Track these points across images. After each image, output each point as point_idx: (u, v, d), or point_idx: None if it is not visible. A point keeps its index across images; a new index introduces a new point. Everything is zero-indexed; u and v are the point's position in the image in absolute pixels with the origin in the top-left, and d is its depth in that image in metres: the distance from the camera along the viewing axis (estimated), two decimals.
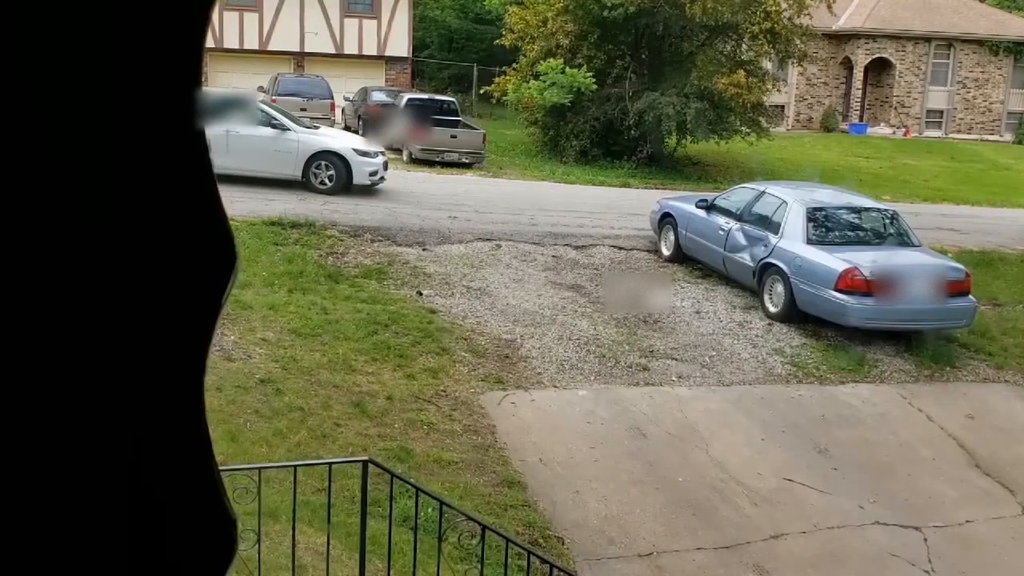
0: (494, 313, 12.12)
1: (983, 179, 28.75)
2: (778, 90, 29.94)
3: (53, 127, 0.73)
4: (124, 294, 0.77)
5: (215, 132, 16.34)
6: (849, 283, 11.71)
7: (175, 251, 0.79)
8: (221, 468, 0.87)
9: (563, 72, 23.77)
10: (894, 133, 37.67)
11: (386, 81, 31.37)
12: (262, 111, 17.25)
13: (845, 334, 12.14)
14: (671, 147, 25.14)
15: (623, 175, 23.24)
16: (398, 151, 23.67)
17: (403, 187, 18.86)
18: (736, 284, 13.73)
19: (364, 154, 16.84)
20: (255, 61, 30.21)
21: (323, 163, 16.51)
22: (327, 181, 16.52)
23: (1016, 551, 8.45)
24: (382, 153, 17.78)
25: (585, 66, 24.14)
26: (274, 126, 16.64)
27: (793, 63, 27.98)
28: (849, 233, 13.13)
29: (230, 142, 15.84)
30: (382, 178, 17.41)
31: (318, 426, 8.63)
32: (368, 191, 17.18)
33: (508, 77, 25.76)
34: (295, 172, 16.46)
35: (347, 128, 28.41)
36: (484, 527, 5.70)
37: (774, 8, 24.16)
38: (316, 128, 18.34)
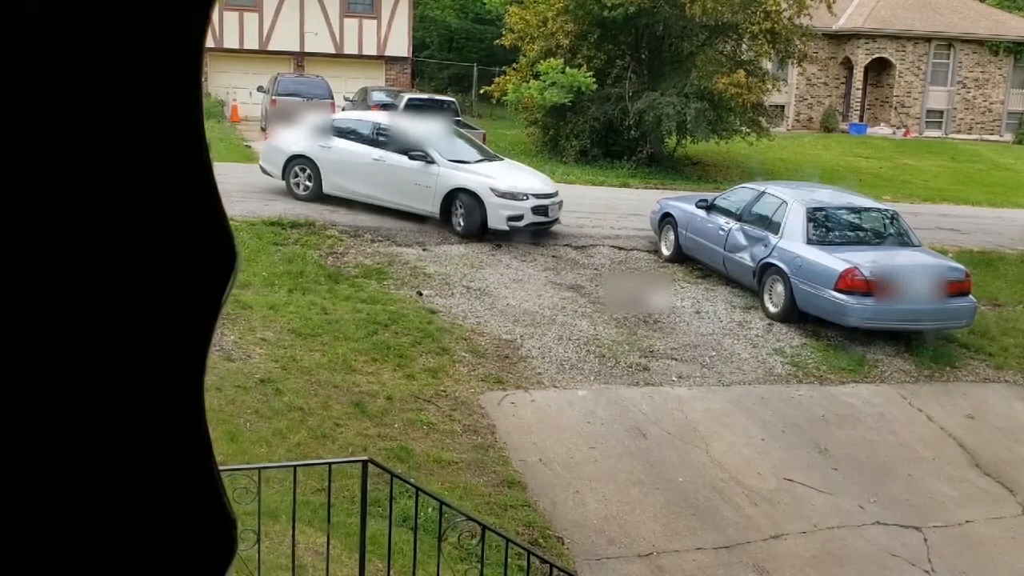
0: (494, 313, 12.12)
1: (983, 179, 28.75)
2: (778, 90, 29.92)
3: (53, 127, 0.73)
4: (124, 294, 0.77)
5: (366, 160, 15.01)
6: (849, 283, 11.71)
7: (175, 251, 0.79)
8: (221, 468, 0.87)
9: (563, 72, 23.77)
10: (894, 133, 37.66)
11: (386, 81, 31.37)
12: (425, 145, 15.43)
13: (845, 334, 12.14)
14: (671, 147, 25.13)
15: (623, 175, 23.24)
16: None
17: None
18: (736, 284, 13.73)
19: (506, 195, 14.61)
20: (255, 61, 30.20)
21: (459, 201, 14.80)
22: (461, 222, 14.78)
23: (1016, 551, 8.45)
24: (543, 196, 15.16)
25: (585, 66, 24.13)
26: (416, 156, 15.09)
27: (793, 63, 27.97)
28: (849, 233, 13.13)
29: (373, 170, 15.16)
30: (533, 224, 14.94)
31: (318, 426, 8.63)
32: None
33: (508, 77, 25.75)
34: (433, 209, 14.91)
35: None
36: (484, 527, 5.70)
37: (774, 8, 24.14)
38: (500, 159, 16.57)
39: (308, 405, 9.00)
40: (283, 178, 16.06)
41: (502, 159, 16.57)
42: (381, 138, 15.61)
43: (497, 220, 14.58)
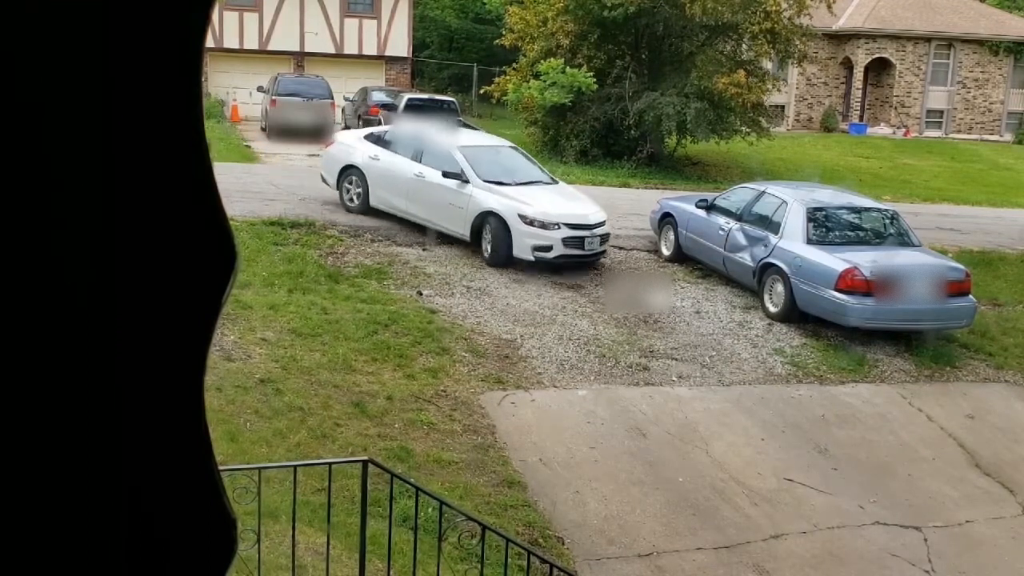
0: (494, 313, 12.12)
1: (983, 179, 28.75)
2: (778, 90, 29.91)
3: (53, 127, 0.73)
4: (125, 294, 0.77)
5: (408, 175, 14.16)
6: (849, 283, 11.71)
7: (175, 251, 0.79)
8: (221, 468, 0.87)
9: (563, 72, 23.76)
10: (894, 133, 37.66)
11: (386, 81, 31.36)
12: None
13: (845, 334, 12.14)
14: (671, 147, 25.13)
15: (623, 175, 23.23)
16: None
17: None
18: (736, 284, 13.73)
19: (534, 223, 13.39)
20: (255, 61, 30.20)
21: (488, 226, 13.73)
22: (489, 249, 13.73)
23: (1016, 551, 8.45)
24: (581, 227, 13.68)
25: (585, 66, 24.13)
26: (449, 174, 14.08)
27: (793, 63, 27.96)
28: (849, 233, 13.13)
29: (414, 187, 14.41)
30: (565, 257, 13.59)
31: (318, 426, 8.63)
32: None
33: (508, 77, 25.74)
34: (464, 232, 13.97)
35: (346, 127, 28.48)
36: (484, 527, 5.70)
37: (774, 8, 24.14)
38: (552, 183, 15.00)
39: (308, 405, 9.01)
40: (337, 188, 15.58)
41: (556, 182, 15.26)
42: (424, 152, 14.81)
43: (523, 249, 13.43)
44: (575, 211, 13.99)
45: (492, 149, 15.56)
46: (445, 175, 14.07)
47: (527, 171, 15.17)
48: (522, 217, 13.44)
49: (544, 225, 13.46)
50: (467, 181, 13.95)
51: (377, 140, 15.53)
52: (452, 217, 14.11)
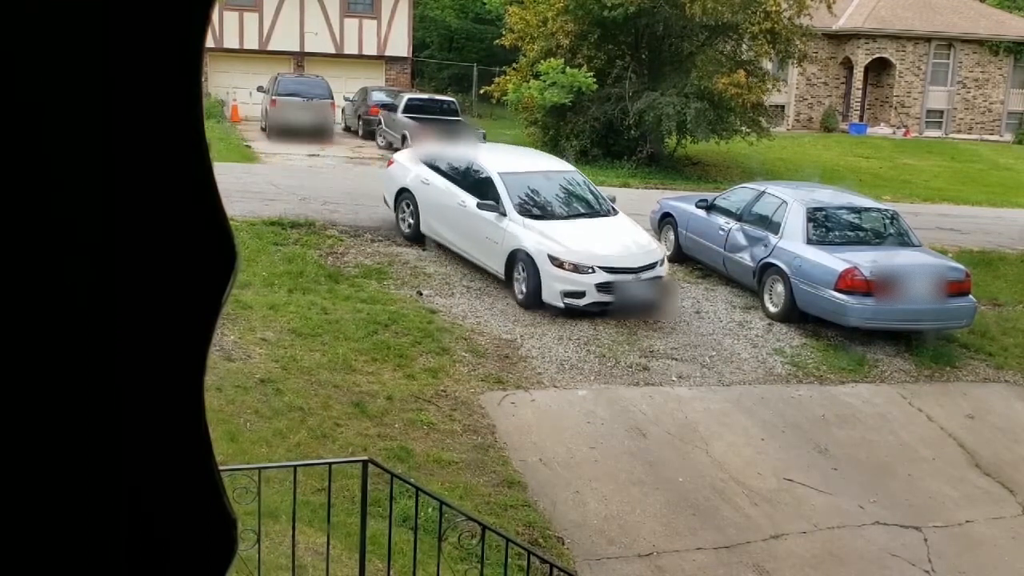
0: (494, 313, 12.12)
1: (983, 179, 28.75)
2: (778, 90, 29.92)
3: (53, 127, 0.73)
4: (125, 294, 0.77)
5: (453, 203, 13.12)
6: (849, 283, 11.72)
7: (175, 251, 0.79)
8: (221, 468, 0.87)
9: (563, 72, 23.77)
10: (894, 133, 37.66)
11: (386, 81, 31.36)
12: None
13: (845, 334, 12.14)
14: (671, 147, 25.14)
15: (623, 175, 23.23)
16: (398, 151, 23.68)
17: None
18: (736, 284, 13.73)
19: (564, 265, 11.91)
20: (255, 61, 30.20)
21: (521, 264, 12.31)
22: (523, 289, 12.27)
23: (1016, 551, 8.45)
24: (623, 271, 12.08)
25: (585, 66, 24.13)
26: (485, 205, 12.73)
27: (793, 63, 27.96)
28: (849, 233, 13.13)
29: (457, 216, 13.21)
30: (599, 304, 12.05)
31: (318, 426, 8.63)
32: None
33: (508, 77, 25.74)
34: (498, 268, 12.64)
35: (347, 128, 28.48)
36: (484, 527, 5.70)
37: (774, 8, 24.14)
38: (608, 215, 13.32)
39: (308, 405, 9.01)
40: (394, 212, 14.54)
41: (615, 213, 13.45)
42: (468, 177, 13.51)
43: (552, 294, 11.94)
44: (619, 251, 12.39)
45: (544, 175, 13.86)
46: (480, 206, 12.77)
47: (582, 201, 13.61)
48: (551, 258, 11.94)
49: (576, 268, 11.91)
50: (504, 213, 12.58)
51: (430, 162, 14.23)
52: (489, 252, 12.80)
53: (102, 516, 0.80)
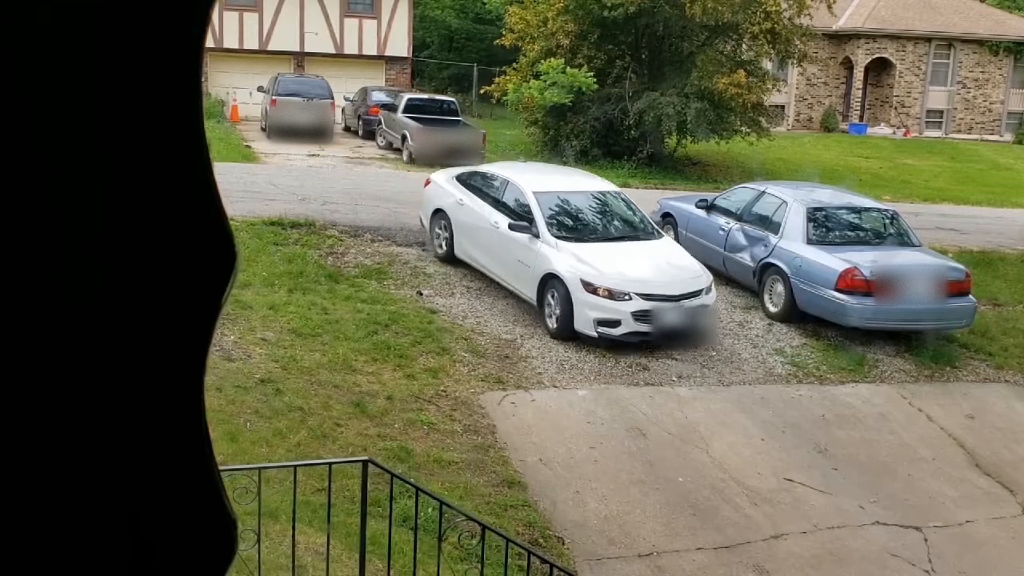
0: (494, 313, 12.12)
1: (983, 179, 28.75)
2: (778, 90, 29.92)
3: (53, 127, 0.73)
4: (125, 294, 0.77)
5: (486, 224, 12.43)
6: (849, 283, 11.72)
7: (175, 251, 0.79)
8: (221, 468, 0.87)
9: (563, 72, 23.78)
10: (894, 133, 37.66)
11: (386, 81, 31.36)
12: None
13: (845, 334, 12.14)
14: (671, 147, 25.14)
15: (623, 175, 23.23)
16: (398, 151, 23.70)
17: (403, 187, 18.87)
18: (736, 284, 13.73)
19: (598, 291, 11.09)
20: (255, 61, 30.20)
21: (553, 290, 11.50)
22: (555, 317, 11.45)
23: (1016, 551, 8.45)
24: (663, 298, 11.23)
25: (585, 66, 24.14)
26: (517, 226, 12.01)
27: (793, 63, 27.96)
28: (849, 233, 13.13)
29: (489, 238, 12.51)
30: (638, 335, 11.22)
31: (318, 426, 8.63)
32: None
33: (508, 77, 25.75)
34: (531, 293, 11.81)
35: (347, 128, 28.48)
36: (484, 527, 5.70)
37: (774, 8, 24.14)
38: (651, 238, 12.49)
39: (308, 405, 9.01)
40: (430, 233, 13.96)
41: (659, 237, 12.74)
42: (502, 197, 12.84)
43: (584, 322, 11.14)
44: (659, 276, 11.56)
45: (583, 195, 13.16)
46: (512, 227, 12.06)
47: (623, 223, 12.84)
48: (585, 284, 11.12)
49: (611, 294, 11.09)
50: (537, 235, 11.82)
51: (464, 181, 13.65)
52: (521, 276, 12.03)
53: (102, 516, 0.80)
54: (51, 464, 0.77)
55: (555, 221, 12.10)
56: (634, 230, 12.68)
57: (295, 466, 6.39)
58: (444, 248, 13.56)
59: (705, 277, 11.86)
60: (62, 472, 0.78)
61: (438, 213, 13.65)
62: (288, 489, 6.02)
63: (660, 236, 12.77)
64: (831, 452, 9.59)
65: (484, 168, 14.18)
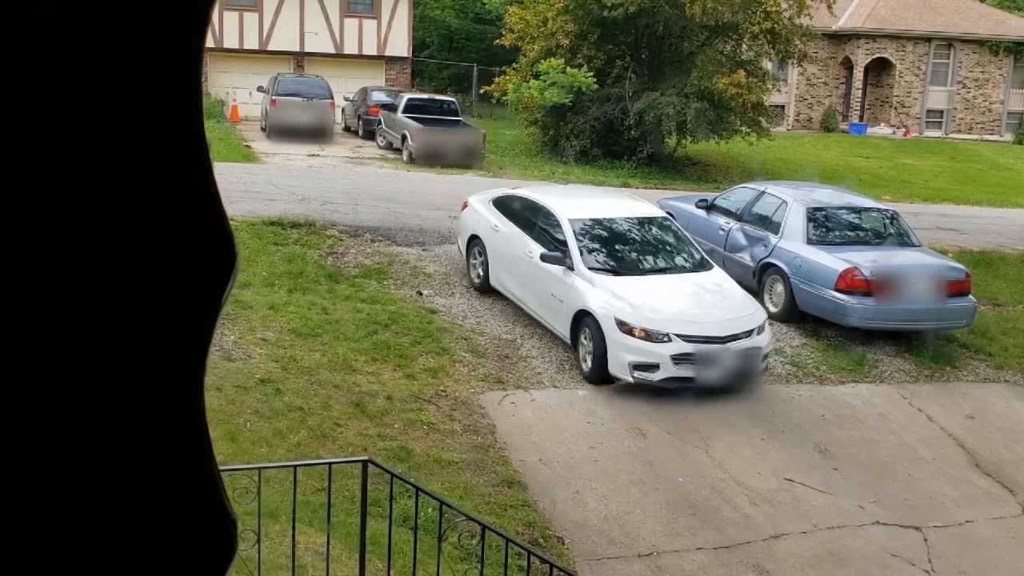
0: (494, 313, 12.11)
1: (983, 179, 28.75)
2: (778, 90, 29.93)
3: (54, 127, 0.73)
4: (125, 294, 0.77)
5: (521, 252, 11.44)
6: (849, 283, 11.72)
7: (175, 252, 0.79)
8: (221, 468, 0.87)
9: (563, 72, 23.78)
10: (894, 133, 37.66)
11: (386, 81, 31.36)
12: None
13: (845, 334, 12.14)
14: (671, 147, 25.15)
15: (623, 175, 23.24)
16: (398, 151, 23.70)
17: (403, 187, 18.88)
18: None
19: (633, 331, 10.05)
20: (255, 61, 30.21)
21: (587, 328, 10.50)
22: (589, 358, 10.44)
23: (1016, 551, 8.45)
24: (707, 340, 10.12)
25: (585, 66, 24.15)
26: (550, 257, 11.05)
27: (793, 63, 27.97)
28: (849, 233, 13.13)
29: (524, 268, 11.62)
30: (677, 380, 10.12)
31: (318, 426, 8.63)
32: None
33: (508, 77, 25.76)
34: (564, 330, 10.85)
35: (347, 128, 28.48)
36: (484, 527, 5.70)
37: (774, 8, 24.15)
38: (699, 271, 11.44)
39: (308, 405, 9.01)
40: (466, 260, 13.08)
41: (708, 269, 11.56)
42: (537, 224, 11.86)
43: (619, 366, 10.10)
44: (704, 315, 10.51)
45: (625, 222, 12.09)
46: (544, 258, 11.12)
47: (668, 253, 11.79)
48: (619, 323, 10.10)
49: (648, 335, 10.02)
50: (572, 267, 10.86)
51: (501, 205, 12.77)
52: (554, 311, 11.07)
53: (102, 516, 0.80)
54: (51, 464, 0.77)
55: (592, 251, 11.17)
56: (680, 261, 11.60)
57: (295, 466, 6.39)
58: (480, 278, 12.64)
59: (758, 315, 10.75)
60: (62, 472, 0.78)
61: (474, 240, 12.77)
62: (288, 489, 6.02)
63: (709, 267, 11.64)
64: (831, 452, 9.59)
65: (520, 191, 13.14)
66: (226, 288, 0.81)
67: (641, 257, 11.66)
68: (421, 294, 12.51)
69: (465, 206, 13.40)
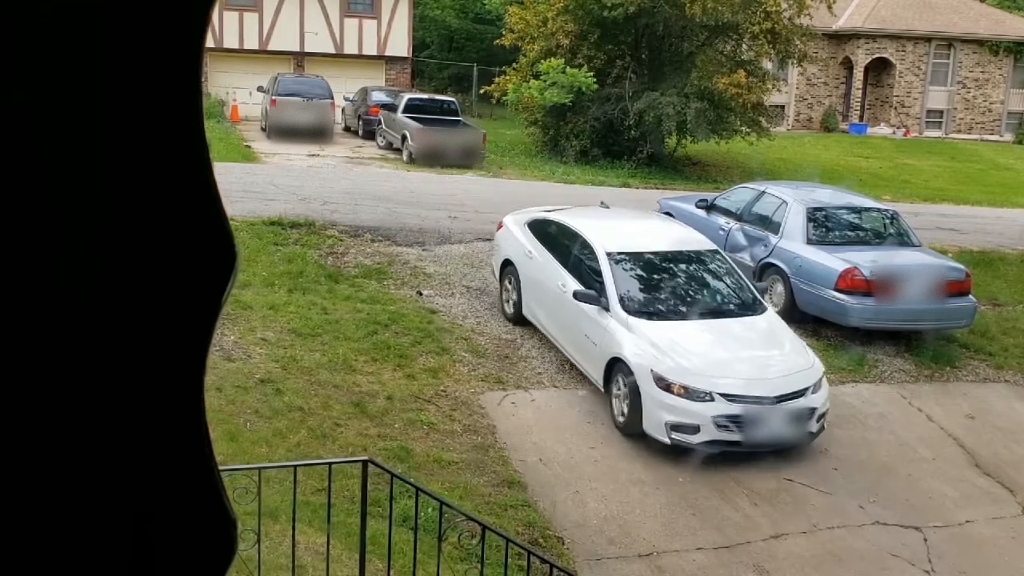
0: (494, 313, 12.11)
1: (983, 179, 28.75)
2: (778, 90, 29.92)
3: (53, 127, 0.73)
4: (125, 294, 0.77)
5: (554, 284, 10.40)
6: (849, 283, 11.72)
7: (175, 252, 0.79)
8: (221, 468, 0.87)
9: (563, 72, 23.78)
10: (894, 133, 37.66)
11: (386, 81, 31.36)
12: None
13: (845, 334, 12.14)
14: (671, 147, 25.15)
15: (623, 175, 23.24)
16: (398, 151, 23.70)
17: (403, 187, 18.88)
18: None
19: (671, 387, 8.89)
20: (255, 61, 30.21)
21: (621, 378, 9.41)
22: (624, 410, 9.31)
23: (1016, 551, 8.45)
24: (755, 400, 8.92)
25: (585, 66, 24.15)
26: (584, 296, 9.99)
27: (793, 63, 27.96)
28: (849, 233, 13.13)
29: (557, 301, 10.61)
30: (720, 444, 8.97)
31: (318, 426, 8.63)
32: None
33: (508, 77, 25.76)
34: (597, 376, 9.81)
35: (347, 128, 28.48)
36: (484, 527, 5.70)
37: (774, 8, 24.15)
38: (753, 313, 10.22)
39: (308, 405, 9.01)
40: (499, 286, 12.22)
41: (763, 311, 10.32)
42: (572, 255, 10.81)
43: (654, 424, 8.97)
44: (753, 371, 9.31)
45: (672, 256, 10.89)
46: (578, 295, 10.02)
47: (718, 293, 10.55)
48: (656, 378, 8.96)
49: (688, 392, 8.85)
50: (607, 308, 9.74)
51: (536, 228, 11.73)
52: (587, 354, 10.04)
53: (102, 516, 0.80)
54: (51, 464, 0.77)
55: (631, 290, 10.02)
56: (728, 302, 10.43)
57: (295, 466, 6.39)
58: (512, 307, 11.69)
59: (815, 370, 9.40)
60: (62, 472, 0.78)
61: (507, 266, 11.83)
62: (288, 489, 6.02)
63: (762, 309, 10.33)
64: (831, 452, 9.59)
65: (556, 215, 11.86)
66: (226, 288, 0.81)
67: (684, 298, 10.39)
68: (421, 294, 12.51)
69: (500, 226, 12.41)
